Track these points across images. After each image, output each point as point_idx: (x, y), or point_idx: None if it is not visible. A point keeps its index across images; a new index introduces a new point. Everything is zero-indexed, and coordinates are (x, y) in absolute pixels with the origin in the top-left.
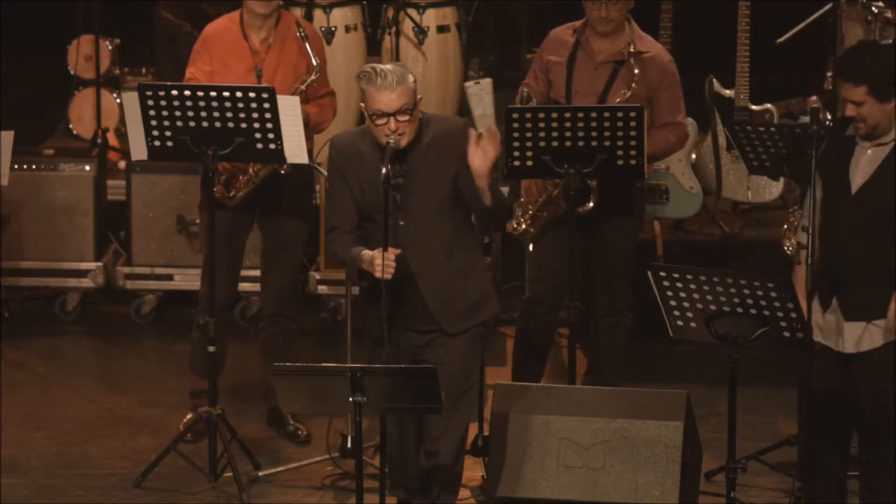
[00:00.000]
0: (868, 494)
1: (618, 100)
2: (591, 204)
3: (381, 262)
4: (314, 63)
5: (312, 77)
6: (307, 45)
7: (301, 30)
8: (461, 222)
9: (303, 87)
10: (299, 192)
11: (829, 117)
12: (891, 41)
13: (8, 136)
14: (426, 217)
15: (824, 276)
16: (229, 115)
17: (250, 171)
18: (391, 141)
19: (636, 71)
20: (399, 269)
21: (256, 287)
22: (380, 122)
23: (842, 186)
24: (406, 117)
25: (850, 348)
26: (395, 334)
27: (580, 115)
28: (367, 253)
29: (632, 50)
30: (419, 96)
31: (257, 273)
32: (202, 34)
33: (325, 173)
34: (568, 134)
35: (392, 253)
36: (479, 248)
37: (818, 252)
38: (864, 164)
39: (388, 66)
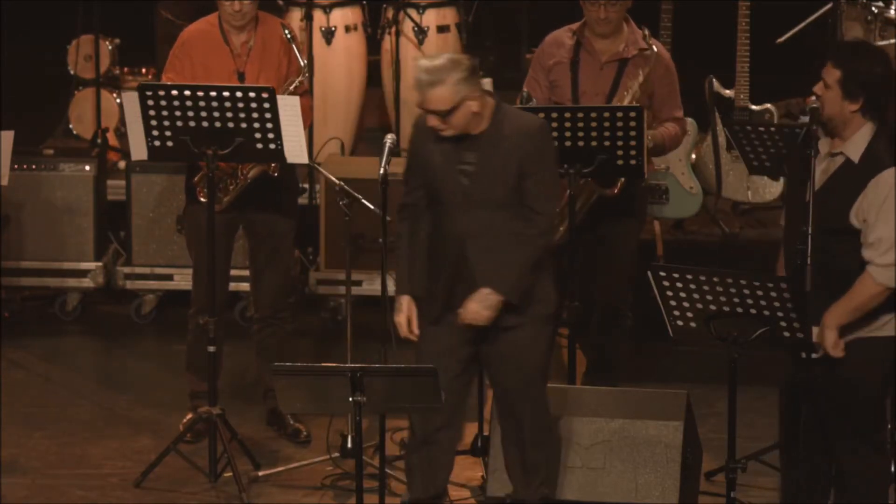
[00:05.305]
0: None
1: (626, 94)
2: (620, 182)
3: (404, 323)
4: (302, 64)
5: (300, 79)
6: (294, 46)
7: (287, 32)
8: (525, 219)
9: (291, 88)
10: (286, 192)
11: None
12: (892, 41)
13: (8, 136)
14: (491, 208)
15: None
16: (229, 115)
17: (239, 175)
18: (388, 141)
19: (645, 70)
20: (461, 255)
21: None
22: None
23: (803, 192)
24: (437, 119)
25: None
26: (453, 317)
27: (580, 115)
28: (403, 302)
29: (645, 51)
30: (463, 96)
31: None
32: (180, 37)
33: (325, 173)
34: (568, 134)
35: (413, 326)
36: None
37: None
38: (818, 172)
39: (427, 66)
